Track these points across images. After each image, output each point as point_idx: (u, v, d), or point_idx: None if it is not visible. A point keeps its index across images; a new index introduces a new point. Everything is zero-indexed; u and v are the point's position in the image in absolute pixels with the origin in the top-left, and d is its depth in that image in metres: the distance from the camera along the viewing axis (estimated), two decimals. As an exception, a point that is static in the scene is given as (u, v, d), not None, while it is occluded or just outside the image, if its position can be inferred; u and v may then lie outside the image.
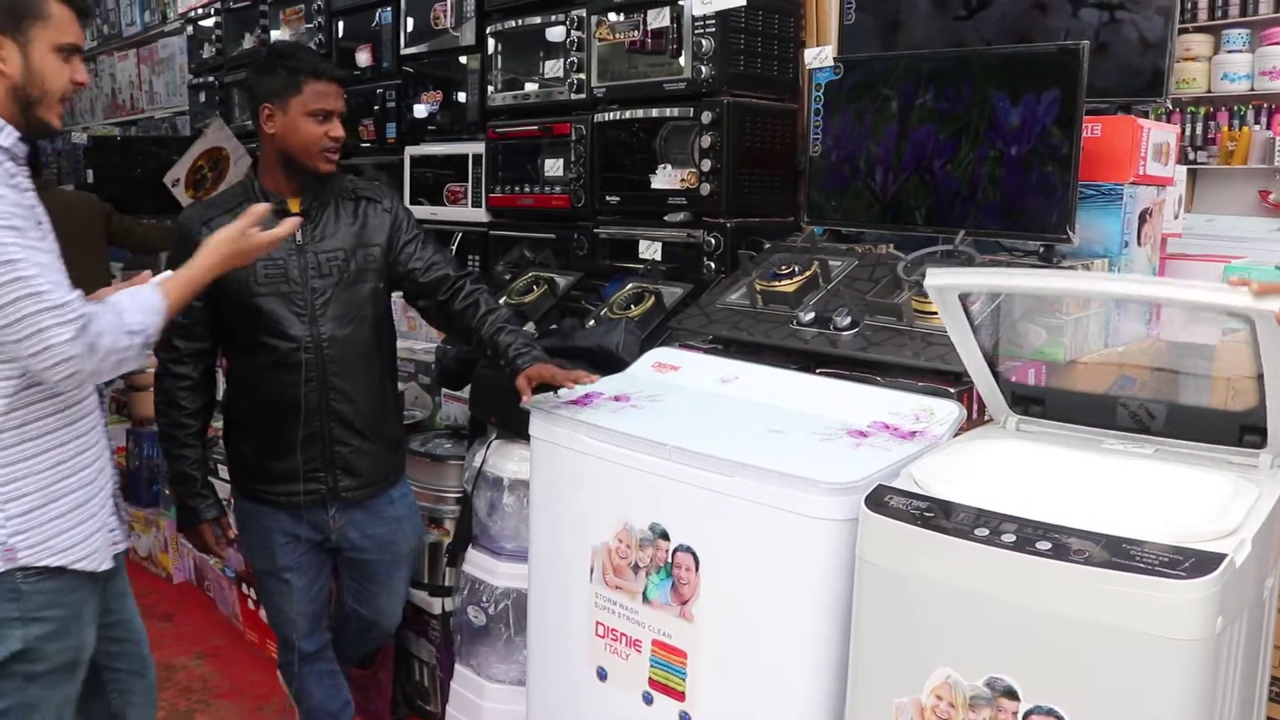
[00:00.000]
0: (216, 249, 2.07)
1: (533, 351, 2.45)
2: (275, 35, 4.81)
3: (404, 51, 4.12)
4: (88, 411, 2.01)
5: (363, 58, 4.25)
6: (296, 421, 2.49)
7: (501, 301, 3.29)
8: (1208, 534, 1.58)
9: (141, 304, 1.90)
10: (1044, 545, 1.61)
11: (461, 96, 3.87)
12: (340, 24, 4.44)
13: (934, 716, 1.73)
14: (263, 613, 3.68)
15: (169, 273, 2.06)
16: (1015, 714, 1.63)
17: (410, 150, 4.10)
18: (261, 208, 2.15)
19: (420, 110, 4.07)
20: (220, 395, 2.69)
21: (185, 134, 6.02)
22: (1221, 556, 1.52)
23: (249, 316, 2.46)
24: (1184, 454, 1.96)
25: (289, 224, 2.19)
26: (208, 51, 5.56)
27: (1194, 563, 1.51)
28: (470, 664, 2.95)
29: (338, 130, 2.47)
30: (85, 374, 1.80)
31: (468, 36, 3.78)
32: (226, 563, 3.54)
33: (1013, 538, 1.64)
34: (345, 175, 2.64)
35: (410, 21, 4.04)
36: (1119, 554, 1.55)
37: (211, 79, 5.52)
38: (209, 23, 5.53)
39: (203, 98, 5.62)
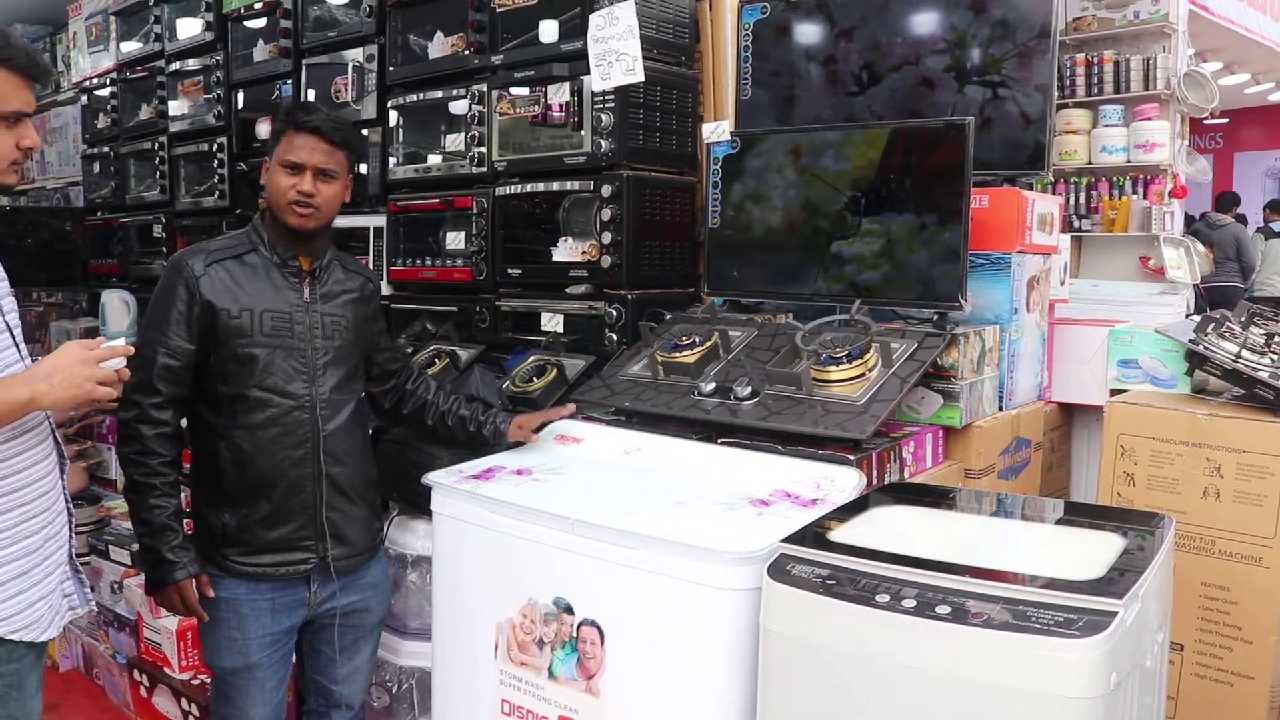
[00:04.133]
0: (50, 375, 1.82)
1: (499, 410, 2.67)
2: (174, 106, 4.75)
3: (305, 124, 4.09)
4: (35, 479, 1.92)
5: (263, 130, 4.21)
6: (290, 485, 2.38)
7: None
8: (1100, 593, 1.61)
9: None
10: (944, 609, 1.63)
11: (363, 169, 3.86)
12: (240, 96, 4.41)
13: (842, 784, 1.73)
14: (158, 700, 3.55)
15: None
16: (921, 778, 1.64)
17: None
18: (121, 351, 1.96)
19: (321, 182, 4.04)
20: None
21: (78, 204, 5.89)
22: (1113, 614, 1.55)
23: (247, 366, 2.34)
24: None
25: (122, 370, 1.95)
26: (103, 121, 5.47)
27: (1087, 622, 1.54)
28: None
29: (306, 184, 2.36)
30: None
31: (369, 109, 3.78)
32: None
33: (913, 603, 1.66)
34: (333, 248, 2.57)
35: (311, 94, 4.02)
36: (1016, 615, 1.58)
37: (106, 149, 5.42)
38: (104, 92, 5.44)
39: (97, 168, 5.51)
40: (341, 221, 3.85)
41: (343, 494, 2.45)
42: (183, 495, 2.40)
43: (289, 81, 4.12)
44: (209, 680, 3.33)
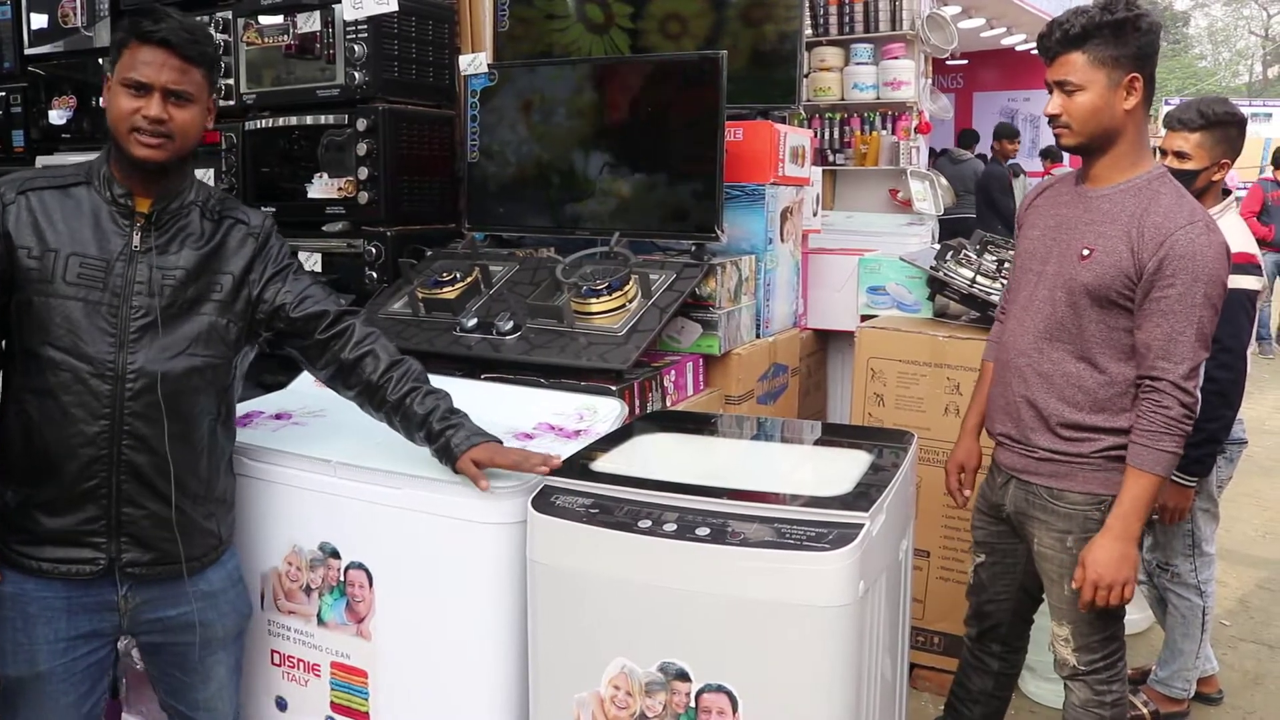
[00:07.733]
0: None
1: (466, 426, 2.02)
2: None
3: (29, 51, 3.78)
4: None
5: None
6: (81, 467, 1.94)
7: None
8: (848, 507, 1.70)
9: None
10: (704, 531, 1.69)
11: (101, 102, 3.60)
12: (-51, 21, 4.02)
13: (613, 707, 1.77)
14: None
15: None
16: (688, 694, 1.70)
17: (44, 161, 3.77)
18: None
19: (56, 117, 3.75)
20: None
21: None
22: (860, 527, 1.65)
23: (41, 317, 1.93)
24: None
25: None
26: None
27: (836, 535, 1.63)
28: (139, 711, 2.74)
29: (153, 109, 1.92)
30: None
31: (102, 36, 3.53)
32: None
33: (674, 526, 1.71)
34: (217, 189, 2.17)
35: (36, 19, 3.72)
36: (771, 533, 1.66)
37: None
38: None
39: None
40: (78, 159, 3.60)
41: (148, 487, 1.98)
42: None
43: (7, 4, 3.79)
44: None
